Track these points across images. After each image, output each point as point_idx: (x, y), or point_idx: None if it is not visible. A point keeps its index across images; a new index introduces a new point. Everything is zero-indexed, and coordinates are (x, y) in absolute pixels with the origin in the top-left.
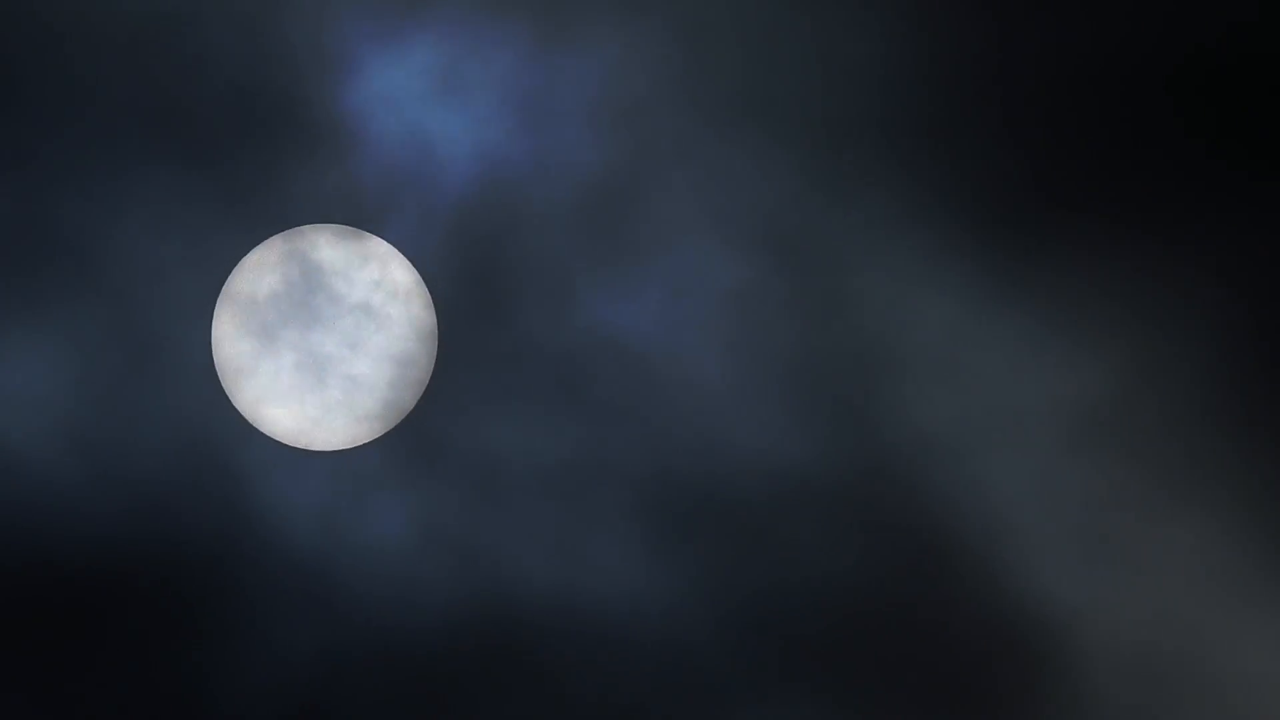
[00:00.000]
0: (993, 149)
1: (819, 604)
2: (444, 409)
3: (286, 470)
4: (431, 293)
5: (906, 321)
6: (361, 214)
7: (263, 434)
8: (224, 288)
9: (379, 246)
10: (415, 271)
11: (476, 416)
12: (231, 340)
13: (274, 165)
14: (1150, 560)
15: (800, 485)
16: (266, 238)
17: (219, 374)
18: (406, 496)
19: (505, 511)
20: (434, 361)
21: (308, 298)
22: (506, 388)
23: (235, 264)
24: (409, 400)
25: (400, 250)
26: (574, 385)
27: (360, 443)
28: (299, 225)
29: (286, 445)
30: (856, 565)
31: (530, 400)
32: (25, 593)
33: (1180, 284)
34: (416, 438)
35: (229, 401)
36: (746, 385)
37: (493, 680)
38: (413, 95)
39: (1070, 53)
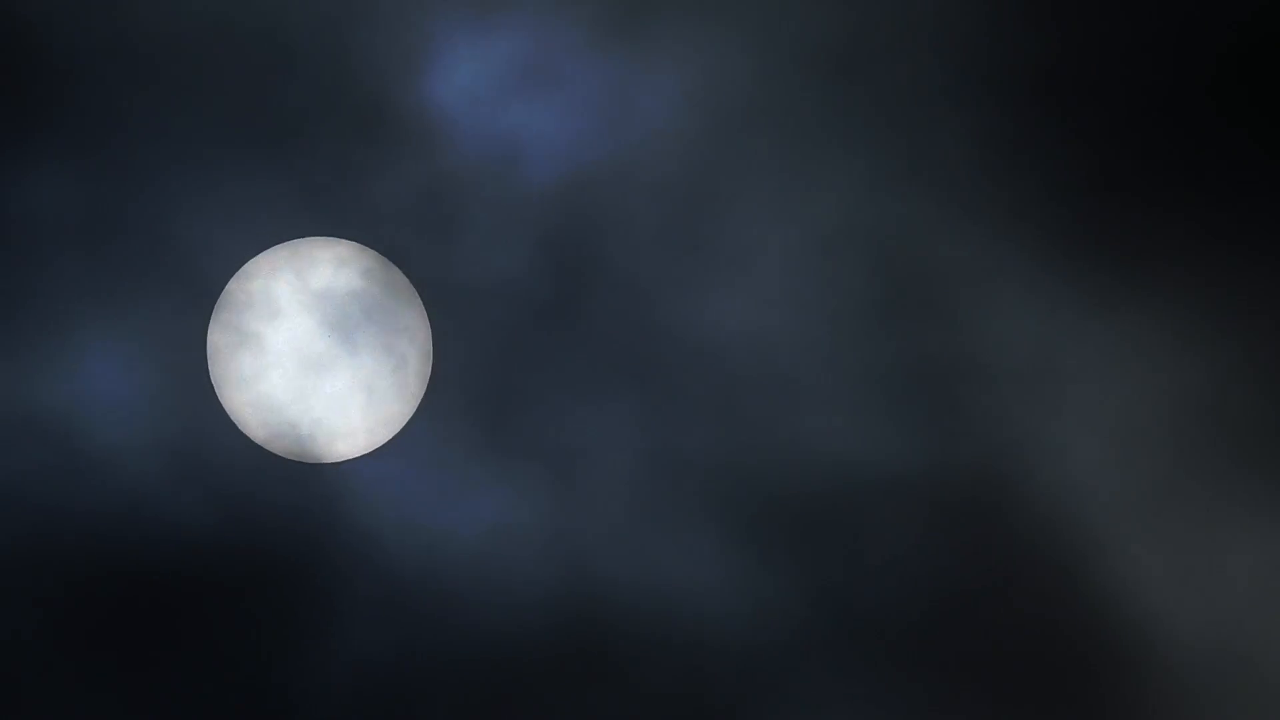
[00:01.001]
0: (1091, 151)
1: (906, 605)
2: (527, 407)
3: (369, 470)
4: (513, 289)
5: (1002, 322)
6: (443, 210)
7: (345, 432)
8: (303, 285)
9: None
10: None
11: (560, 414)
12: (311, 339)
13: (357, 163)
14: (1252, 564)
15: (892, 486)
16: (351, 235)
17: (298, 373)
18: (489, 497)
19: (589, 511)
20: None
21: (388, 298)
22: (589, 385)
23: (314, 262)
24: (488, 399)
25: (482, 246)
26: (657, 385)
27: (442, 441)
28: (381, 224)
29: (368, 443)
30: (946, 567)
31: (614, 399)
32: (114, 595)
33: None
34: (501, 436)
35: (313, 397)
36: (834, 387)
37: (576, 681)
38: (497, 91)
39: (1166, 57)
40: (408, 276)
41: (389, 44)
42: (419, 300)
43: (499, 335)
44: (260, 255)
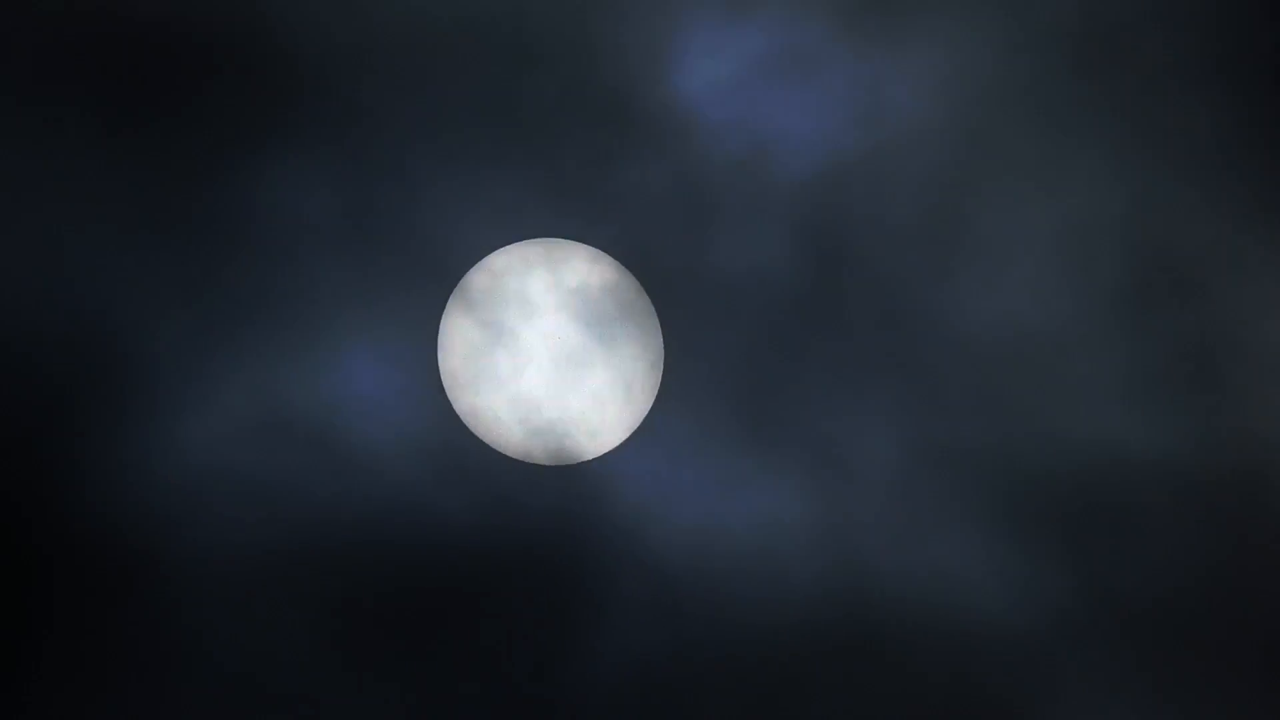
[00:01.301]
0: None
1: (1173, 593)
2: (787, 400)
3: (630, 467)
4: (768, 281)
5: (1258, 303)
6: (694, 204)
7: (603, 429)
8: (558, 282)
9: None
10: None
11: (820, 406)
12: (568, 334)
13: (605, 157)
14: None
15: (1155, 472)
16: (599, 229)
17: (557, 367)
18: (753, 491)
19: (854, 502)
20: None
21: (641, 293)
22: (848, 377)
23: (568, 257)
24: (747, 393)
25: (735, 239)
26: (916, 375)
27: (702, 436)
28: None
29: (627, 441)
30: (1213, 553)
31: (873, 390)
32: (378, 597)
33: None
34: (762, 430)
35: (570, 394)
36: (1092, 373)
37: (845, 672)
38: (746, 84)
39: None
40: (657, 270)
41: (636, 38)
42: (669, 296)
43: (755, 328)
44: (513, 251)
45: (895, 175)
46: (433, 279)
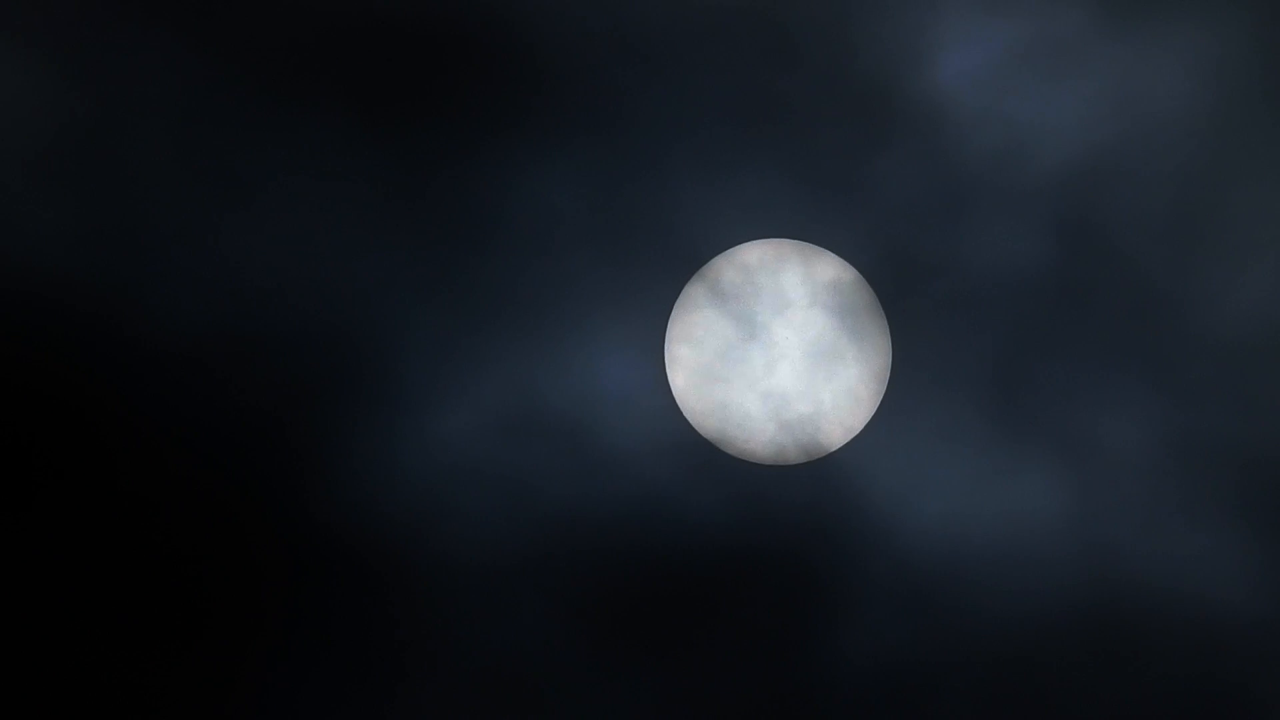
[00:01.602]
0: None
1: None
2: (1040, 395)
3: (879, 462)
4: (1023, 274)
5: None
6: (946, 197)
7: (852, 424)
8: (809, 276)
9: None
10: None
11: (1074, 401)
12: (823, 326)
13: (867, 154)
14: None
15: None
16: (858, 226)
17: (811, 359)
18: (1004, 485)
19: (1107, 497)
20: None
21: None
22: (1103, 372)
23: (819, 253)
24: (999, 387)
25: (989, 232)
26: (1171, 370)
27: (952, 430)
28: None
29: (876, 435)
30: None
31: (1128, 385)
32: (631, 592)
33: None
34: (1013, 424)
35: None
36: None
37: (1097, 669)
38: (1004, 76)
39: None
40: (909, 262)
41: (892, 29)
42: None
43: (1004, 319)
44: (763, 246)
45: (1151, 166)
46: (685, 276)
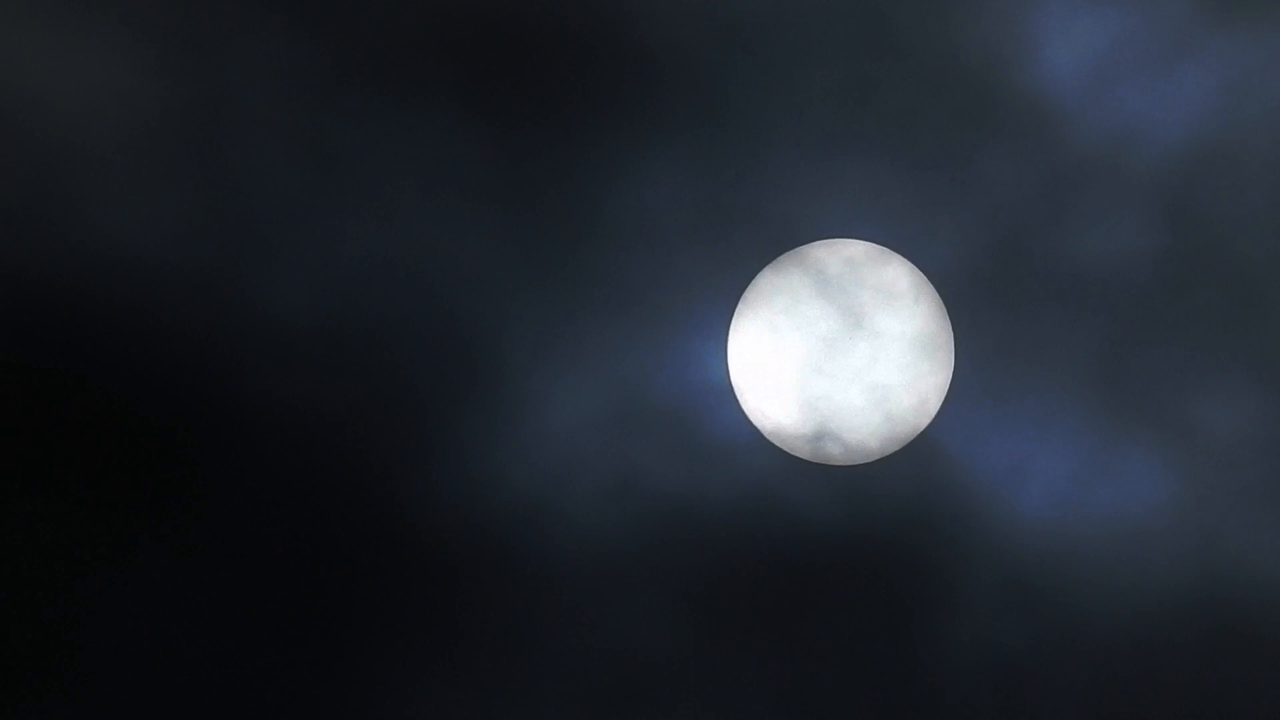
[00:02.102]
0: None
1: None
2: (1148, 387)
3: (987, 454)
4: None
5: None
6: (1051, 188)
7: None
8: (911, 270)
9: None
10: None
11: (1182, 393)
12: (924, 323)
13: (970, 146)
14: None
15: None
16: (962, 216)
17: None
18: (1114, 476)
19: (1216, 490)
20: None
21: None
22: (1207, 365)
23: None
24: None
25: (1094, 222)
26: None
27: (1058, 424)
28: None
29: (982, 428)
30: None
31: (1232, 379)
32: (743, 585)
33: None
34: (1121, 417)
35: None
36: None
37: (1206, 662)
38: (1109, 70)
39: None
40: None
41: (995, 21)
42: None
43: (1111, 310)
44: (861, 243)
45: (1258, 156)
46: (792, 269)
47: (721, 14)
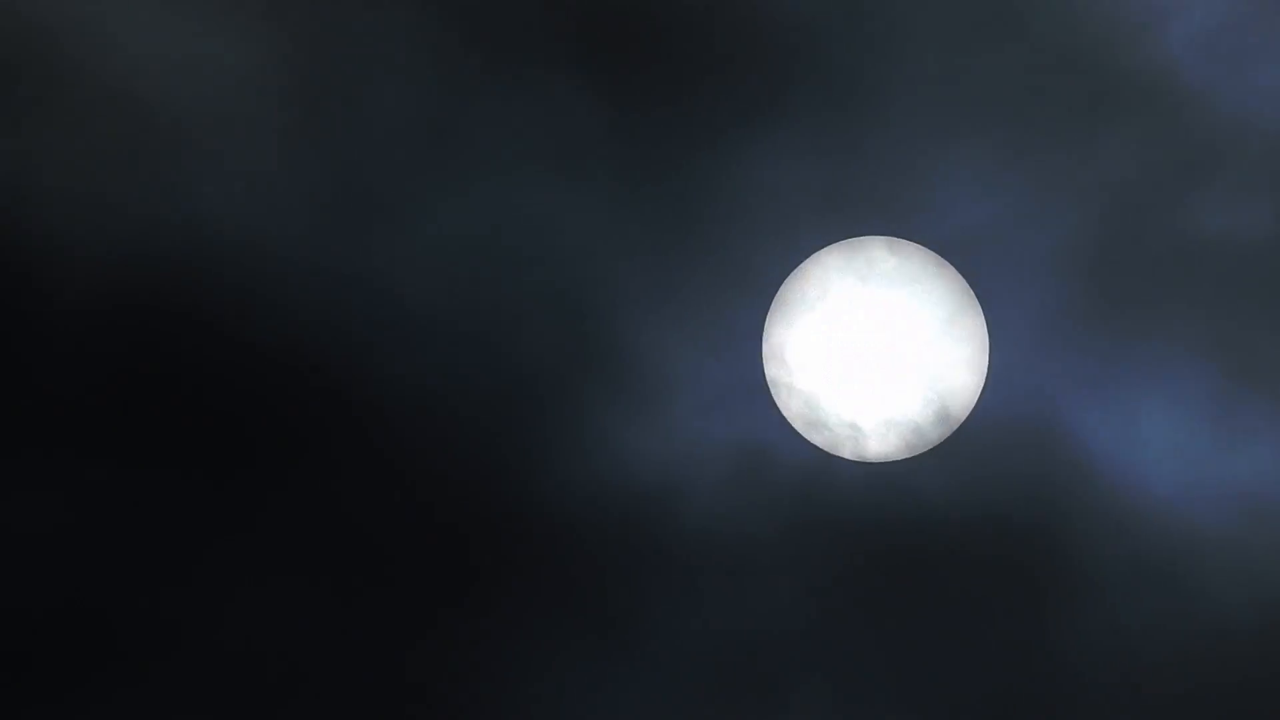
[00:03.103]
0: None
1: None
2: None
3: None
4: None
5: None
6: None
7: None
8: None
9: None
10: None
11: None
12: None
13: (1095, 128)
14: None
15: None
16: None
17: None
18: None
19: None
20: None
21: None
22: None
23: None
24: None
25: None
26: None
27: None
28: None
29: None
30: None
31: None
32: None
33: None
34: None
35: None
36: None
37: None
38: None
39: None
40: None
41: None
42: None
43: (1239, 289)
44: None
45: None
46: (902, 248)
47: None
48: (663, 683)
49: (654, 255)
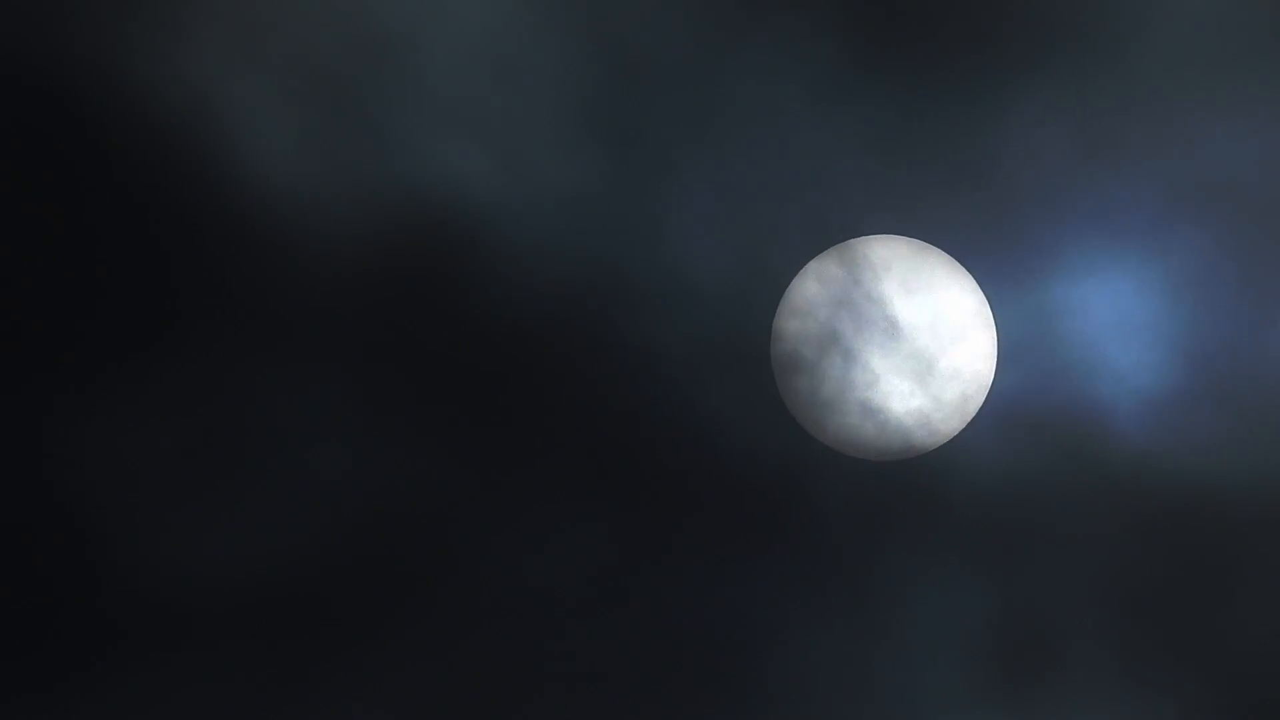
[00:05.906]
0: None
1: None
2: None
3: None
4: None
5: None
6: None
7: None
8: None
9: None
10: None
11: None
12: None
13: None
14: None
15: None
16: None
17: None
18: None
19: None
20: None
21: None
22: None
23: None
24: None
25: None
26: None
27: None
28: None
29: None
30: None
31: None
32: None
33: None
34: None
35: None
36: None
37: None
38: None
39: None
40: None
41: None
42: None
43: None
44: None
45: None
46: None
47: None
48: (923, 658)
49: (920, 223)
